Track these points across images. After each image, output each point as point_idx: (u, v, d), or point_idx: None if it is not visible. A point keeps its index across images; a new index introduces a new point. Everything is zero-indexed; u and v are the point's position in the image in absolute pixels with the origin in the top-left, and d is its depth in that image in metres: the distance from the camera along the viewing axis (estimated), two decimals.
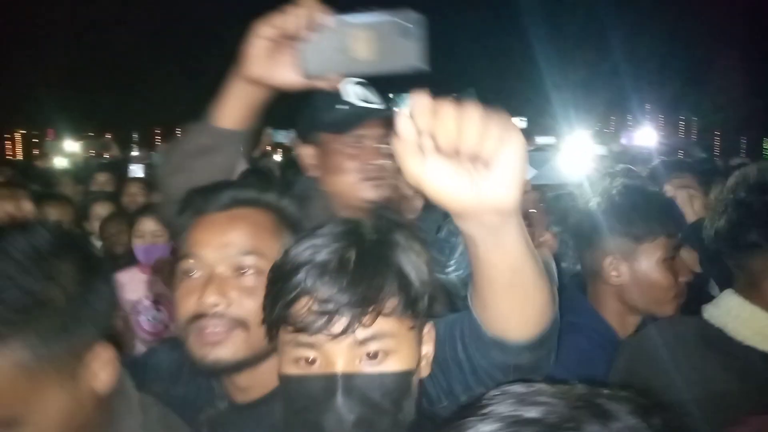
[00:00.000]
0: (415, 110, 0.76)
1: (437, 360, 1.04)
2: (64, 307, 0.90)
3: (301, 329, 0.91)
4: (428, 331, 1.02)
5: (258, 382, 1.17)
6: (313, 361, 0.92)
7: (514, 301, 0.91)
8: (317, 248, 0.94)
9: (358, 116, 1.69)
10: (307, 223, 1.45)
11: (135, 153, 9.04)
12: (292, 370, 0.94)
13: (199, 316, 1.12)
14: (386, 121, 1.70)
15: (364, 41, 1.16)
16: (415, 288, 0.95)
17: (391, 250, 0.96)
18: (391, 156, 1.66)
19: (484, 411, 0.55)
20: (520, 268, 0.88)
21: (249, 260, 1.14)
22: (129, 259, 3.36)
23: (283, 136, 5.73)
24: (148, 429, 1.06)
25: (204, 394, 1.24)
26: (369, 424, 0.90)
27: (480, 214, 0.80)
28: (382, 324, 0.91)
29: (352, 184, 1.71)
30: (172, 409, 1.18)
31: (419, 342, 0.99)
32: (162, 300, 3.22)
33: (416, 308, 0.95)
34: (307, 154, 1.80)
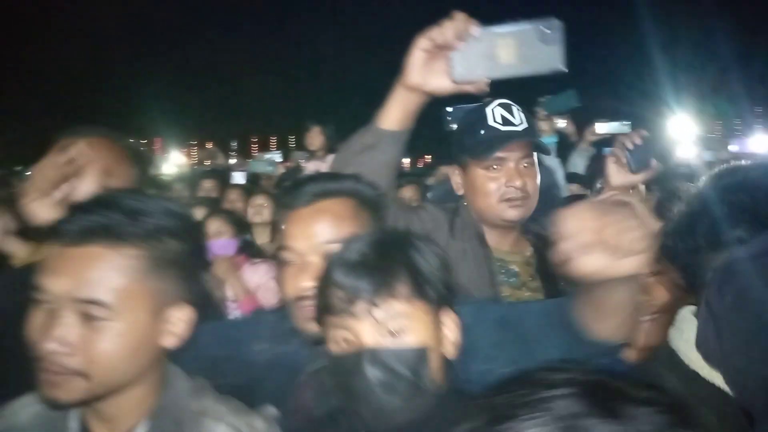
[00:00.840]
0: (569, 225, 1.02)
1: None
2: (181, 251, 1.10)
3: (333, 313, 1.12)
4: (449, 316, 1.19)
5: None
6: (347, 340, 1.11)
7: (617, 319, 1.17)
8: (347, 249, 1.16)
9: (498, 140, 1.83)
10: (453, 233, 1.87)
11: (233, 161, 9.41)
12: (334, 348, 1.14)
13: (299, 298, 1.32)
14: (527, 142, 1.86)
15: (508, 48, 1.30)
16: (424, 276, 1.13)
17: (404, 247, 1.16)
18: (529, 177, 1.86)
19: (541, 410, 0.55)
20: (627, 304, 1.13)
21: (334, 248, 1.25)
22: None
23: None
24: (198, 395, 1.17)
25: (305, 354, 1.40)
26: (391, 388, 1.07)
27: (611, 283, 1.05)
28: (396, 306, 1.10)
29: (493, 205, 1.85)
30: (276, 363, 1.40)
31: (437, 324, 1.15)
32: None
33: (426, 293, 1.13)
34: (454, 174, 1.99)
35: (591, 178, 3.97)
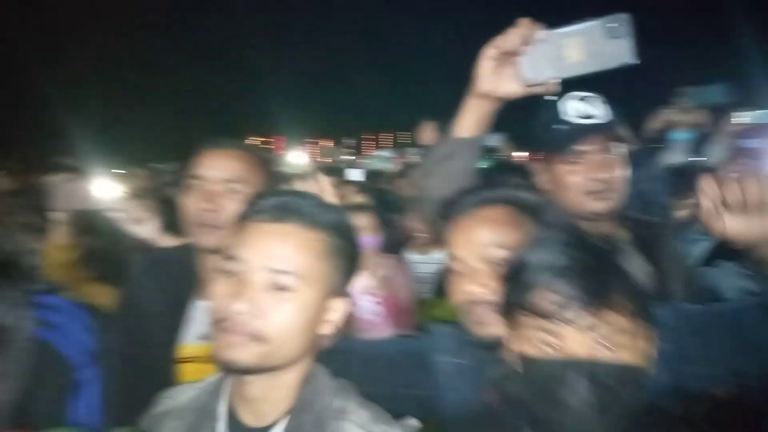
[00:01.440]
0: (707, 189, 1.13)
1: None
2: (349, 244, 1.20)
3: (543, 316, 1.07)
4: (648, 327, 1.12)
5: None
6: (553, 345, 1.06)
7: None
8: (553, 251, 1.11)
9: (576, 134, 1.81)
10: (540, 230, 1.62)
11: (348, 158, 9.69)
12: (532, 350, 1.09)
13: (468, 304, 1.35)
14: (609, 133, 1.82)
15: (575, 47, 1.34)
16: (638, 288, 1.09)
17: (615, 255, 1.12)
18: (614, 169, 1.82)
19: None
20: None
21: (497, 253, 1.31)
22: None
23: (495, 140, 5.70)
24: (340, 395, 1.19)
25: (486, 362, 1.39)
26: (603, 405, 1.02)
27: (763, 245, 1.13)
28: (611, 318, 1.05)
29: (576, 198, 1.83)
30: (457, 375, 1.43)
31: (648, 340, 1.10)
32: (376, 290, 3.44)
33: (640, 306, 1.08)
34: (537, 170, 1.98)
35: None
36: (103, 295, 1.96)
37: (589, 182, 1.82)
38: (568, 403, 1.03)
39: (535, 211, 1.41)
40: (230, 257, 1.14)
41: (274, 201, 1.16)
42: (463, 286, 1.36)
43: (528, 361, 1.11)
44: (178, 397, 1.27)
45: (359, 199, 4.70)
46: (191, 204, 1.74)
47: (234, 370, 1.11)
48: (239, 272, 1.11)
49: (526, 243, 1.20)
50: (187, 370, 1.72)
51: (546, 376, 1.07)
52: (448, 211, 1.44)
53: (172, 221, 2.96)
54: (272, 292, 1.10)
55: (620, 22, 1.31)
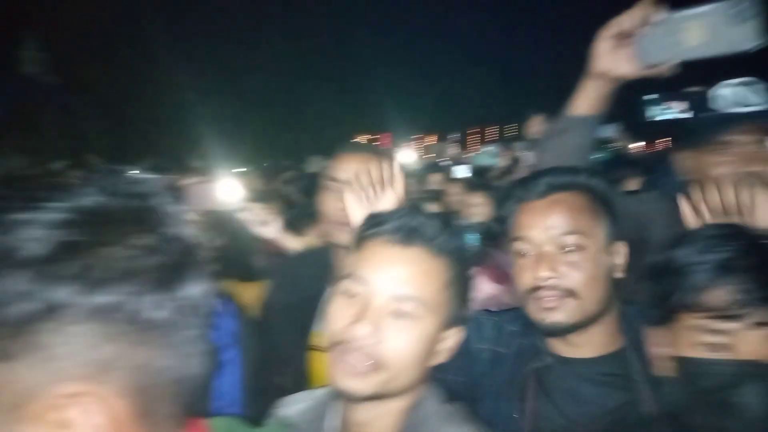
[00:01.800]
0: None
1: None
2: (462, 273, 1.17)
3: (713, 316, 1.00)
4: None
5: (588, 342, 1.36)
6: (721, 347, 1.00)
7: None
8: (711, 248, 1.05)
9: (722, 123, 1.74)
10: (667, 222, 1.69)
11: (453, 153, 9.57)
12: (694, 353, 1.03)
13: (535, 288, 1.33)
14: (762, 123, 1.73)
15: (695, 29, 1.30)
16: None
17: None
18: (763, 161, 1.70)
19: None
20: None
21: (571, 239, 1.31)
22: None
23: (611, 130, 5.48)
24: (449, 422, 1.13)
25: (526, 351, 1.43)
26: None
27: None
28: None
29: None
30: (497, 362, 1.43)
31: None
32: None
33: None
34: (682, 158, 1.92)
35: None
36: (237, 292, 2.16)
37: (736, 175, 1.69)
38: (743, 410, 0.96)
39: (608, 199, 1.40)
40: (352, 277, 1.12)
41: (401, 222, 1.13)
42: (532, 271, 1.34)
43: (692, 365, 1.04)
44: (292, 407, 1.25)
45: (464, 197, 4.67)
46: (329, 204, 1.88)
47: (350, 398, 1.08)
48: (361, 294, 1.09)
49: (674, 239, 1.15)
50: (320, 358, 1.87)
51: (716, 381, 0.99)
52: (519, 193, 1.43)
53: (292, 220, 3.17)
54: (394, 318, 1.07)
55: (745, 6, 1.26)
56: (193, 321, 0.56)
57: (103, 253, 0.51)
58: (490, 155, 6.53)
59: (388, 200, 1.57)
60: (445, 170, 5.80)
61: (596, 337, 1.35)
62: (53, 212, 0.51)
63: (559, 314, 1.31)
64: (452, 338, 1.17)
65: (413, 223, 1.13)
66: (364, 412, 1.11)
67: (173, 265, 0.55)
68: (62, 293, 0.50)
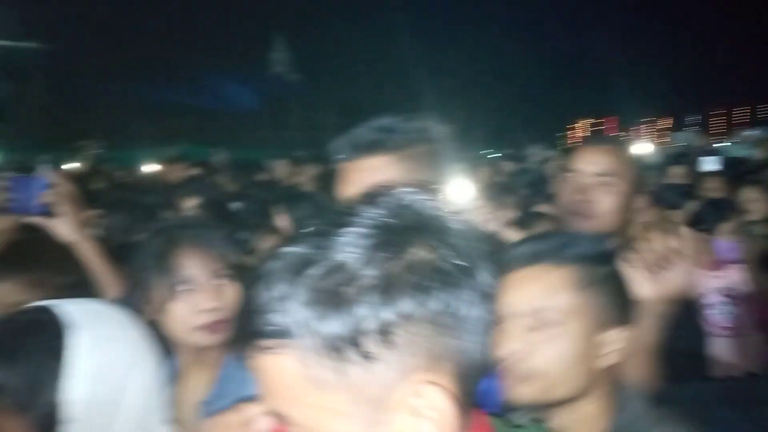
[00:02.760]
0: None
1: None
2: (606, 273, 1.18)
3: None
4: None
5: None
6: None
7: None
8: None
9: None
10: None
11: (696, 140, 8.49)
12: None
13: None
14: None
15: None
16: None
17: None
18: None
19: None
20: None
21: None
22: None
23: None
24: (658, 425, 1.12)
25: None
26: None
27: None
28: None
29: None
30: None
31: None
32: (738, 295, 3.05)
33: None
34: None
35: None
36: None
37: None
38: None
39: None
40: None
41: (522, 249, 1.20)
42: None
43: None
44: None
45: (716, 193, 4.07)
46: (567, 194, 1.90)
47: (516, 409, 1.13)
48: (501, 319, 1.13)
49: None
50: None
51: None
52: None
53: (521, 215, 3.09)
54: (535, 332, 1.12)
55: None
56: (487, 308, 0.64)
57: (416, 262, 0.60)
58: (747, 145, 5.60)
59: (679, 271, 1.44)
60: (689, 161, 5.13)
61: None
62: (360, 232, 0.60)
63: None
64: (619, 339, 1.16)
65: (532, 246, 1.19)
66: (558, 420, 1.15)
67: (470, 263, 0.63)
68: (405, 306, 0.58)
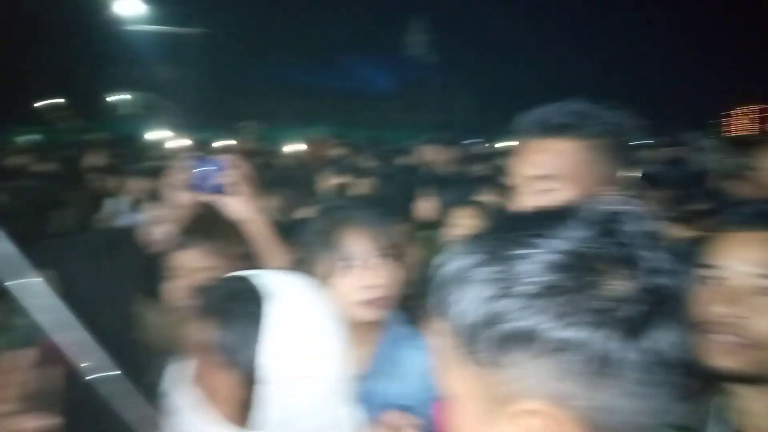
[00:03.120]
0: None
1: None
2: None
3: None
4: None
5: None
6: None
7: None
8: None
9: None
10: None
11: None
12: None
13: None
14: None
15: None
16: None
17: None
18: None
19: None
20: None
21: None
22: None
23: None
24: None
25: None
26: None
27: None
28: None
29: None
30: None
31: None
32: None
33: None
34: None
35: None
36: None
37: None
38: None
39: None
40: (710, 266, 1.11)
41: (753, 209, 1.11)
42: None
43: None
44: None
45: None
46: (746, 192, 1.86)
47: (721, 378, 1.07)
48: (723, 278, 1.08)
49: None
50: None
51: None
52: None
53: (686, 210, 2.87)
54: (759, 296, 1.05)
55: None
56: (656, 369, 0.58)
57: (581, 295, 0.57)
58: None
59: None
60: None
61: None
62: (547, 253, 0.58)
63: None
64: None
65: (765, 208, 1.10)
66: (756, 404, 1.07)
67: (646, 314, 0.58)
68: (538, 325, 0.57)
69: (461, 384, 0.63)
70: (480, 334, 0.59)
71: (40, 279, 1.03)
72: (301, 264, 1.47)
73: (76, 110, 15.32)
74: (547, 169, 1.23)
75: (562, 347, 0.57)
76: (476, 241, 0.64)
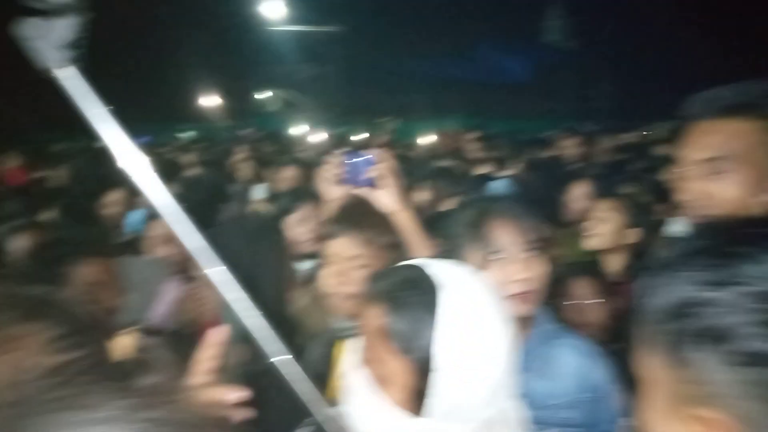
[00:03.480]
0: None
1: None
2: None
3: None
4: None
5: None
6: None
7: None
8: None
9: None
10: None
11: None
12: None
13: None
14: None
15: None
16: None
17: None
18: None
19: None
20: None
21: None
22: None
23: None
24: None
25: None
26: None
27: None
28: None
29: None
30: None
31: None
32: None
33: None
34: None
35: None
36: None
37: None
38: None
39: None
40: None
41: None
42: None
43: None
44: None
45: None
46: None
47: None
48: None
49: None
50: None
51: None
52: None
53: None
54: None
55: None
56: None
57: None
58: None
59: None
60: None
61: None
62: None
63: None
64: None
65: None
66: None
67: None
68: (738, 328, 0.55)
69: (651, 371, 0.64)
70: (676, 322, 0.59)
71: (224, 267, 1.12)
72: (449, 256, 1.48)
73: (229, 108, 16.57)
74: (719, 151, 1.16)
75: (756, 361, 0.54)
76: (701, 233, 0.65)
